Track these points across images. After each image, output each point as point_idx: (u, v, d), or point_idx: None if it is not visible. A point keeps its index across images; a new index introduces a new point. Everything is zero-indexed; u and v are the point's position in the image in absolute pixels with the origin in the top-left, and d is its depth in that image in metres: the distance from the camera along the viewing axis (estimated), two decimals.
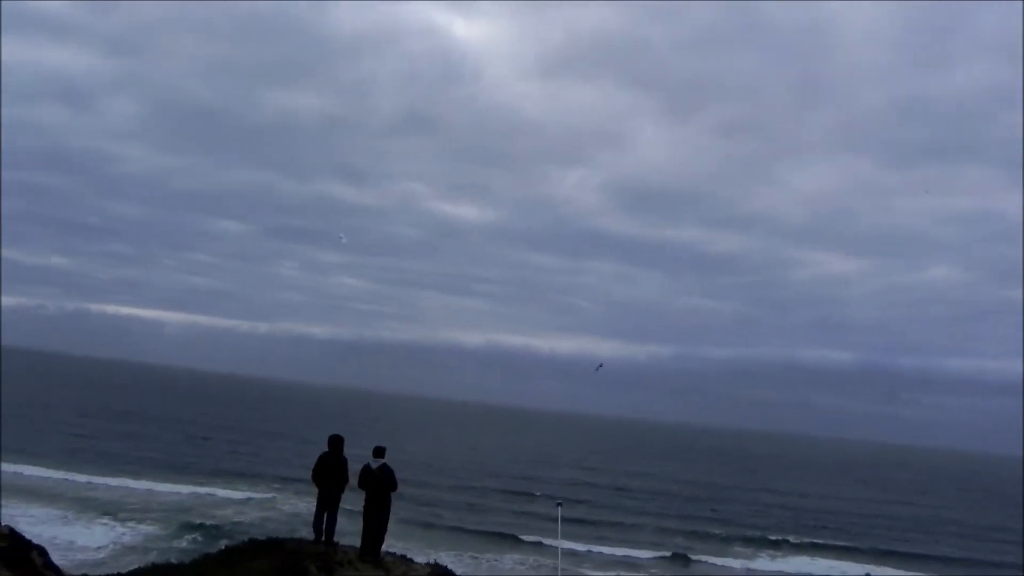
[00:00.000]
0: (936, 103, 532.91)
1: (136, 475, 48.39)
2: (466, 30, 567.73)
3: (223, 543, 17.73)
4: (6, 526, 14.80)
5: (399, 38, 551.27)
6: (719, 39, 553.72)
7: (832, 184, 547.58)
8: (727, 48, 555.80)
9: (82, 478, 45.71)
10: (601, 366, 37.02)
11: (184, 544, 32.84)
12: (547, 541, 39.62)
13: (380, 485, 14.46)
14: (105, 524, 35.70)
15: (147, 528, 36.05)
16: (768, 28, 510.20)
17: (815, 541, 49.51)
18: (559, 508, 20.20)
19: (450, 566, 17.27)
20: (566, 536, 38.71)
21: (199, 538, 34.46)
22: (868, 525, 59.66)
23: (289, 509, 42.43)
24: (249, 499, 45.08)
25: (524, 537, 41.02)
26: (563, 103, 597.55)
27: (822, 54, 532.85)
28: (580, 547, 39.53)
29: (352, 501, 14.92)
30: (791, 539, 49.02)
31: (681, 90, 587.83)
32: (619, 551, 40.39)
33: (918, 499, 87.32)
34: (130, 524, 36.25)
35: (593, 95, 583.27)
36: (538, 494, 55.88)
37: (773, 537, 49.07)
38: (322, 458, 14.90)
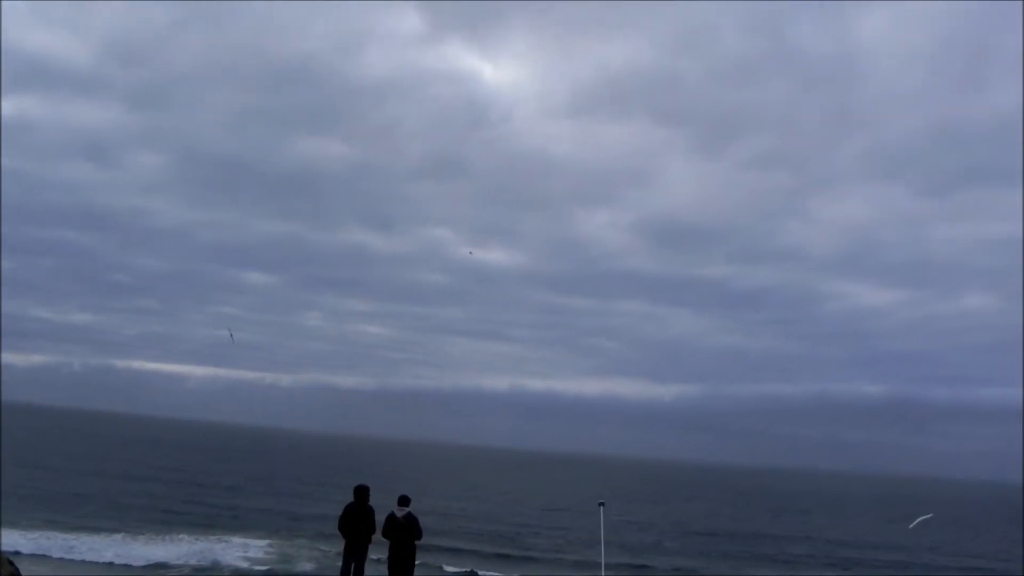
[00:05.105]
0: (971, 127, 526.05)
1: (154, 531, 47.33)
2: (494, 73, 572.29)
3: None
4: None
5: (426, 83, 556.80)
6: (750, 70, 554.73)
7: (865, 214, 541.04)
8: (758, 79, 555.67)
9: (84, 539, 42.04)
10: None
11: None
12: None
13: (405, 534, 14.77)
14: None
15: None
16: (799, 57, 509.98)
17: None
18: (601, 508, 17.78)
19: None
20: None
21: None
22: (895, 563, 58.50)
23: (315, 560, 42.38)
24: (275, 551, 45.05)
25: None
26: (593, 142, 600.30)
27: (854, 81, 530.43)
28: None
29: (378, 551, 15.21)
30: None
31: (711, 124, 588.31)
32: None
33: (950, 534, 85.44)
34: None
35: (623, 132, 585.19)
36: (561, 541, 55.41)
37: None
38: (348, 508, 15.26)
